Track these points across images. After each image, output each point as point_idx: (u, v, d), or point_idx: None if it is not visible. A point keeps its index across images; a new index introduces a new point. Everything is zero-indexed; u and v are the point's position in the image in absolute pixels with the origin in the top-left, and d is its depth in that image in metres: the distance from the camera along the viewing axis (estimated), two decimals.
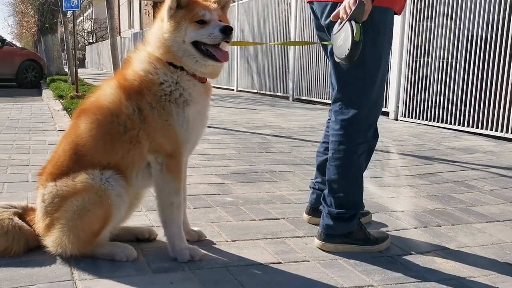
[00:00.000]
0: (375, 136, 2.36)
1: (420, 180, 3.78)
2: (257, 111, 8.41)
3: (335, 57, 2.17)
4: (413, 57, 7.04)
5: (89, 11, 45.67)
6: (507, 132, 5.65)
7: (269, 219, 2.78)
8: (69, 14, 13.78)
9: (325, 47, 2.44)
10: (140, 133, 2.08)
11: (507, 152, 4.99)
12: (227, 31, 2.00)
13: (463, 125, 6.23)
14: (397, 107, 7.26)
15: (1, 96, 11.55)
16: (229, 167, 4.09)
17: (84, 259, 2.11)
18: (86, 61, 42.61)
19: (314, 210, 2.67)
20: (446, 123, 6.49)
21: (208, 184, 3.52)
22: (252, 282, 2.00)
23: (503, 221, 2.85)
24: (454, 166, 4.30)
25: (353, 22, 2.01)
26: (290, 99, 10.39)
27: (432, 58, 6.84)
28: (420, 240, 2.53)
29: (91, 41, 43.76)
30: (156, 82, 2.08)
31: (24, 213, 2.25)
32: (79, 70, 17.56)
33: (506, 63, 5.68)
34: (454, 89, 6.49)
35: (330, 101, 2.50)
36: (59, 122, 6.56)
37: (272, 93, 11.23)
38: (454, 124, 6.36)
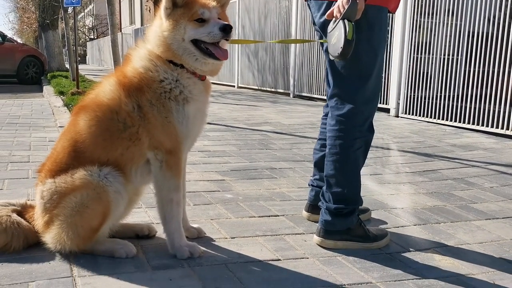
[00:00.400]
0: (371, 130, 2.38)
1: (420, 177, 3.78)
2: (258, 108, 8.41)
3: (329, 55, 2.22)
4: (414, 54, 7.02)
5: (90, 7, 45.60)
6: (507, 129, 5.65)
7: (269, 216, 2.78)
8: (70, 10, 13.74)
9: (322, 44, 2.45)
10: (140, 130, 2.08)
11: (507, 149, 4.98)
12: (226, 29, 2.00)
13: (464, 122, 6.22)
14: (398, 104, 7.25)
15: (2, 92, 11.56)
16: (229, 163, 4.10)
17: (84, 256, 2.12)
18: (87, 57, 42.57)
19: (313, 207, 2.68)
20: (447, 120, 6.48)
21: (208, 181, 3.52)
22: (251, 279, 2.00)
23: (503, 218, 2.85)
24: (454, 163, 4.30)
25: (346, 21, 2.05)
26: (291, 95, 10.38)
27: (433, 55, 6.83)
28: (419, 237, 2.54)
29: (92, 37, 43.72)
30: (156, 80, 2.08)
31: (23, 210, 2.25)
32: (80, 66, 17.58)
33: (507, 59, 5.67)
34: (455, 86, 6.48)
35: None
36: (59, 118, 6.57)
37: (273, 89, 11.22)
38: (455, 121, 6.35)
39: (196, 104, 2.15)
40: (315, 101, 9.57)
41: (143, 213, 2.75)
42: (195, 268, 2.07)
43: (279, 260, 2.20)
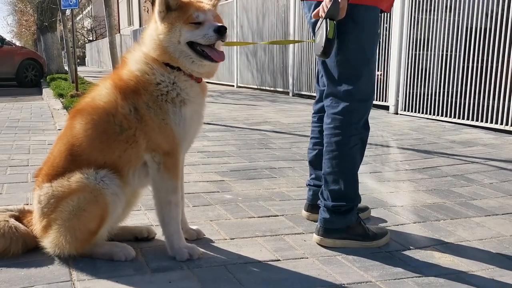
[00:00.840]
0: (366, 128, 2.38)
1: (420, 174, 3.78)
2: (257, 107, 8.40)
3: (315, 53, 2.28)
4: (412, 51, 7.01)
5: (88, 8, 45.57)
6: (507, 124, 5.64)
7: (268, 216, 2.78)
8: (67, 12, 13.75)
9: None
10: (137, 133, 2.09)
11: (507, 144, 4.98)
12: (221, 31, 2.01)
13: (463, 118, 6.21)
14: (397, 101, 7.24)
15: (1, 96, 11.56)
16: (228, 164, 4.09)
17: (83, 259, 2.11)
18: (86, 59, 42.55)
19: (312, 207, 2.68)
20: (446, 116, 6.47)
21: (208, 181, 3.52)
22: (250, 279, 2.00)
23: (502, 214, 2.85)
24: (454, 159, 4.29)
25: (328, 20, 2.11)
26: (290, 94, 10.37)
27: (431, 51, 6.82)
28: (419, 234, 2.53)
29: (91, 38, 43.69)
30: (153, 82, 2.09)
31: (21, 216, 2.25)
32: (80, 68, 17.57)
33: (506, 54, 5.66)
34: (454, 82, 6.47)
35: None
36: (59, 121, 6.57)
37: (272, 88, 11.22)
38: (454, 117, 6.34)
39: (193, 106, 2.15)
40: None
41: (143, 215, 2.75)
42: (194, 270, 2.07)
43: (279, 260, 2.19)
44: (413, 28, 6.98)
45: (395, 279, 2.03)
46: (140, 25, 28.54)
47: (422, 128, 5.99)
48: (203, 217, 2.75)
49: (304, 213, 2.75)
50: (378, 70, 7.67)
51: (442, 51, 6.68)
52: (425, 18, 6.88)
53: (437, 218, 2.77)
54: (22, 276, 1.99)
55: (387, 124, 6.26)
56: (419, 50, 6.96)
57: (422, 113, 6.85)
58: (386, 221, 2.72)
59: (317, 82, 2.67)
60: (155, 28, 2.09)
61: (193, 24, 2.02)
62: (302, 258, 2.23)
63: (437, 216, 2.81)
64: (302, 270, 2.10)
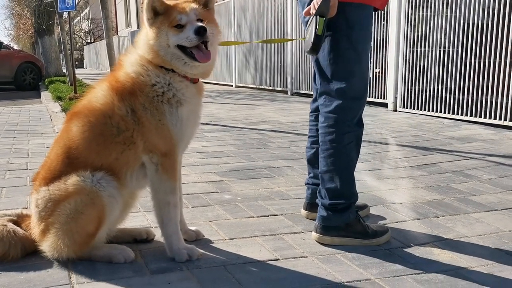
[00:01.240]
0: (360, 125, 2.39)
1: (419, 171, 3.78)
2: (256, 107, 8.40)
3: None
4: (410, 48, 7.01)
5: (86, 11, 45.53)
6: (505, 120, 5.63)
7: (267, 216, 2.78)
8: (65, 15, 13.72)
9: None
10: (135, 134, 2.09)
11: (505, 140, 4.97)
12: (200, 32, 2.01)
13: (462, 114, 6.21)
14: (396, 98, 7.23)
15: None
16: (227, 164, 4.09)
17: (82, 262, 2.11)
18: (84, 61, 42.53)
19: (311, 205, 2.68)
20: (445, 112, 6.47)
21: (207, 182, 3.52)
22: (250, 279, 2.00)
23: (501, 210, 2.85)
24: (453, 156, 4.29)
25: (318, 17, 2.14)
26: (289, 93, 10.37)
27: (429, 47, 6.81)
28: (418, 231, 2.53)
29: (89, 41, 43.66)
30: (148, 84, 2.10)
31: (19, 220, 2.25)
32: (78, 71, 17.58)
33: (503, 50, 5.65)
34: (452, 78, 6.46)
35: None
36: (57, 124, 6.56)
37: (270, 87, 11.21)
38: (453, 113, 6.34)
39: (189, 106, 2.16)
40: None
41: (142, 217, 2.75)
42: (193, 270, 2.07)
43: (278, 259, 2.19)
44: (411, 25, 6.98)
45: (394, 276, 2.03)
46: (138, 26, 28.51)
47: (421, 125, 5.99)
48: (202, 218, 2.75)
49: (303, 212, 2.75)
50: (377, 68, 7.68)
51: (440, 47, 6.68)
52: (422, 15, 6.88)
53: (436, 215, 2.77)
54: (22, 280, 1.99)
55: (386, 121, 6.25)
56: (417, 47, 6.96)
57: (421, 109, 6.84)
58: (385, 219, 2.72)
59: (314, 80, 2.67)
60: (145, 33, 2.11)
61: (177, 28, 2.03)
62: (302, 257, 2.23)
63: (436, 212, 2.81)
64: (302, 269, 2.10)
